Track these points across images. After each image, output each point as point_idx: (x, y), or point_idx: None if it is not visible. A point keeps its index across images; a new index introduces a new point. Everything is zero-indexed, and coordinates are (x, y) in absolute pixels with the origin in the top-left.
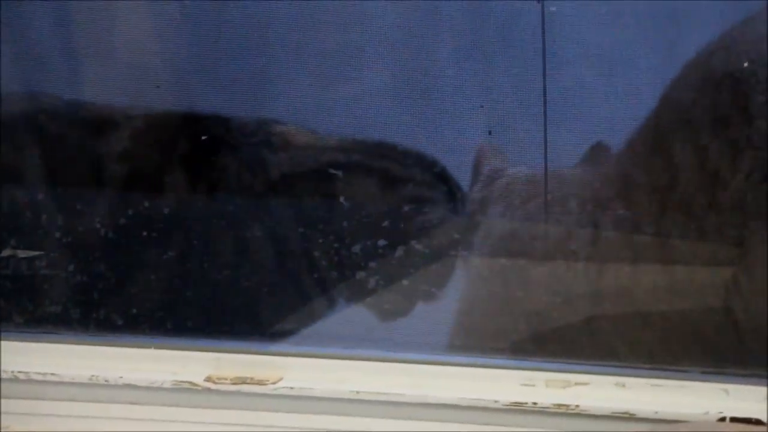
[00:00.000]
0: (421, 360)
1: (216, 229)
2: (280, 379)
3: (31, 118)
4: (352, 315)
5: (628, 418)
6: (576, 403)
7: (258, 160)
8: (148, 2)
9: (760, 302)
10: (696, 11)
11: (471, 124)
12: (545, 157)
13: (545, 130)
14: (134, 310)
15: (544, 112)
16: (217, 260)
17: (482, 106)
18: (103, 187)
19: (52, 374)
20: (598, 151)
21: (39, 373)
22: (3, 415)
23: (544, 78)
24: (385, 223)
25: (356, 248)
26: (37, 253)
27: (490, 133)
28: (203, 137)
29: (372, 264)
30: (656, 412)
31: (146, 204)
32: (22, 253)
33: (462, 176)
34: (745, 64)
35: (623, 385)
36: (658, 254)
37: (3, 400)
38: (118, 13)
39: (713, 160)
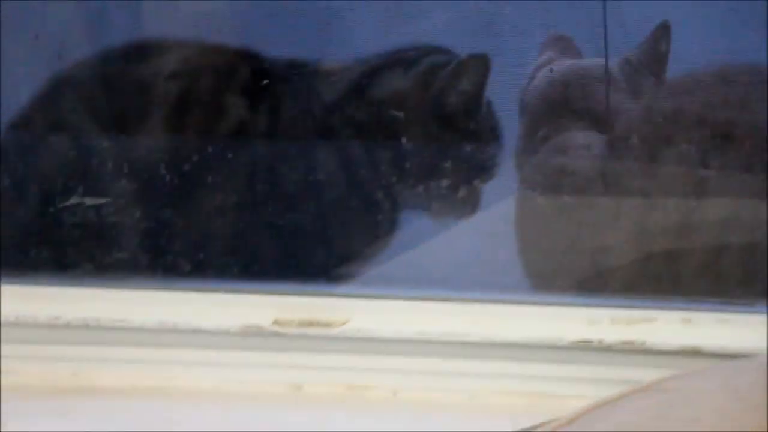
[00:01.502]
0: (485, 299)
1: (278, 171)
2: (347, 321)
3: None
4: (416, 256)
5: (696, 353)
6: (642, 340)
7: (315, 95)
8: None
9: None
10: None
11: (532, 61)
12: (606, 96)
13: (606, 66)
14: (201, 255)
15: (606, 48)
16: (280, 202)
17: (542, 43)
18: (163, 131)
19: (122, 320)
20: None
21: (110, 319)
22: (75, 362)
23: (605, 13)
24: (447, 163)
25: (419, 188)
26: (104, 200)
27: (551, 71)
28: (265, 80)
29: (436, 204)
30: (723, 347)
31: (209, 147)
32: (89, 201)
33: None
34: None
35: (689, 321)
36: (718, 188)
37: (74, 347)
38: None
39: None
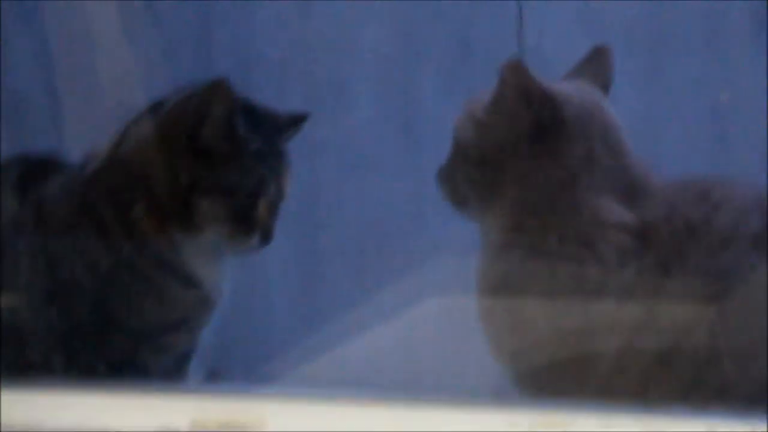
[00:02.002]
0: (405, 400)
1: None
2: (265, 423)
3: None
4: (336, 357)
5: None
6: None
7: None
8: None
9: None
10: None
11: None
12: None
13: None
14: (124, 369)
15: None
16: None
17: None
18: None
19: (36, 425)
20: None
21: (23, 424)
22: None
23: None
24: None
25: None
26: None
27: None
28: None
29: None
30: None
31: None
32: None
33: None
34: None
35: (607, 427)
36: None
37: None
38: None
39: None
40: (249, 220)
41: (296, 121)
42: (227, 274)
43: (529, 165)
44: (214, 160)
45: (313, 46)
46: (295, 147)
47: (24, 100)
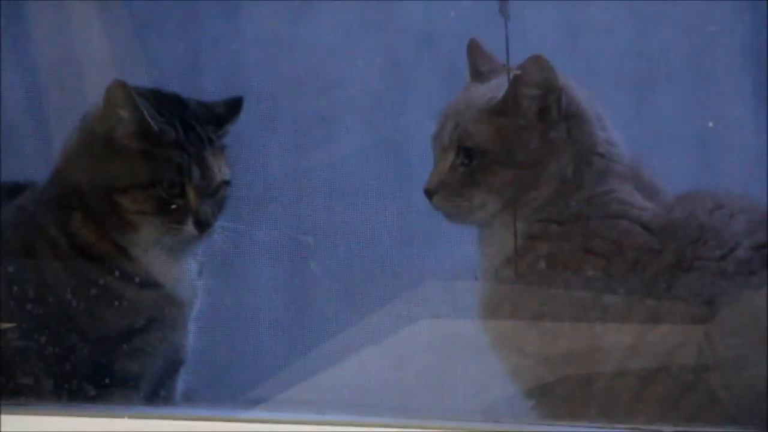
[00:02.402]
0: (394, 425)
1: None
2: None
3: None
4: (325, 380)
5: None
6: None
7: None
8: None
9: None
10: None
11: None
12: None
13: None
14: (107, 381)
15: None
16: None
17: None
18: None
19: None
20: None
21: None
22: None
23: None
24: None
25: None
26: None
27: None
28: None
29: None
30: None
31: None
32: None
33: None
34: None
35: None
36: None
37: None
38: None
39: None
40: (178, 208)
41: (231, 105)
42: (189, 272)
43: (556, 159)
44: (128, 157)
45: (302, 77)
46: (285, 175)
47: (15, 130)
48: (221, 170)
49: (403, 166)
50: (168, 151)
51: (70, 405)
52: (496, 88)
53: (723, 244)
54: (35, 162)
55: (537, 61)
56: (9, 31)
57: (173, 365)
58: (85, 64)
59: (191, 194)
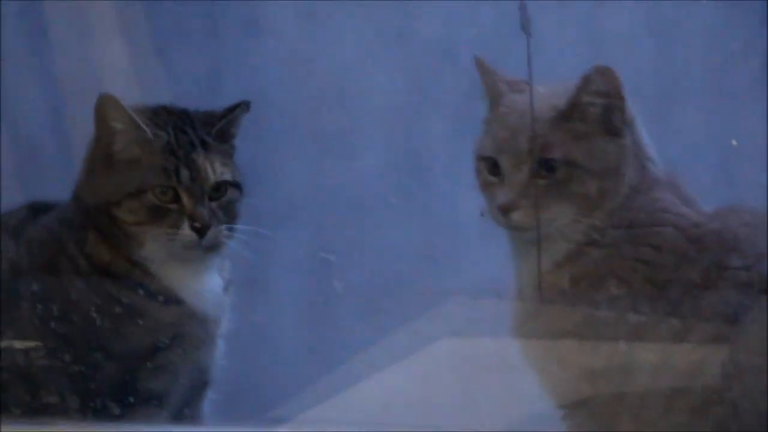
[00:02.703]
0: None
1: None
2: None
3: None
4: (351, 397)
5: None
6: None
7: None
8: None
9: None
10: None
11: (463, 205)
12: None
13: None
14: (132, 399)
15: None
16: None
17: (474, 188)
18: None
19: None
20: None
21: None
22: None
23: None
24: None
25: None
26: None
27: (481, 214)
28: None
29: None
30: None
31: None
32: (18, 344)
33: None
34: None
35: None
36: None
37: None
38: None
39: None
40: (173, 213)
41: (231, 107)
42: (213, 288)
43: (629, 165)
44: (121, 169)
45: (323, 92)
46: (307, 192)
47: (36, 147)
48: (216, 171)
49: (425, 181)
50: (156, 157)
51: (94, 423)
52: (552, 96)
53: (756, 256)
54: (61, 180)
55: (604, 72)
56: (33, 48)
57: (199, 385)
58: (109, 81)
59: (185, 197)
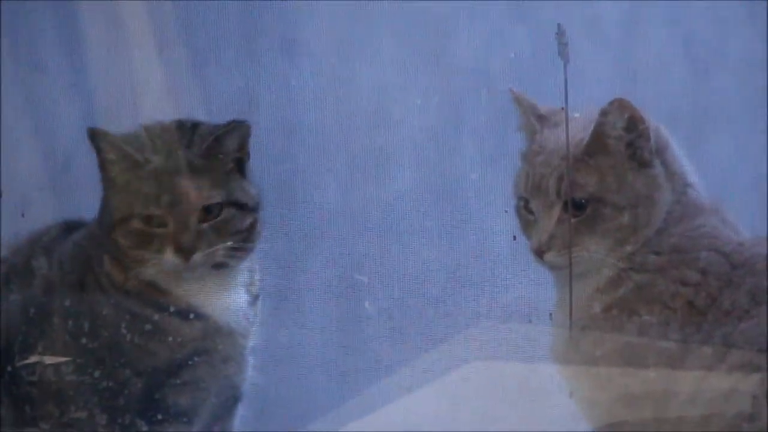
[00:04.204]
0: None
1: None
2: None
3: None
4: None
5: None
6: None
7: None
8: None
9: None
10: None
11: (495, 228)
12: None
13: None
14: (159, 416)
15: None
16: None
17: (506, 211)
18: None
19: None
20: None
21: None
22: None
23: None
24: None
25: None
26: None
27: (514, 238)
28: None
29: None
30: None
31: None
32: (49, 360)
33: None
34: None
35: None
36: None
37: None
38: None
39: None
40: (159, 237)
41: (219, 127)
42: (238, 303)
43: (661, 193)
44: (119, 193)
45: (358, 113)
46: (340, 212)
47: (74, 163)
48: (203, 194)
49: (458, 204)
50: (142, 183)
51: None
52: (579, 131)
53: None
54: (95, 193)
55: (620, 104)
56: (69, 62)
57: (229, 401)
58: (144, 98)
59: (169, 222)
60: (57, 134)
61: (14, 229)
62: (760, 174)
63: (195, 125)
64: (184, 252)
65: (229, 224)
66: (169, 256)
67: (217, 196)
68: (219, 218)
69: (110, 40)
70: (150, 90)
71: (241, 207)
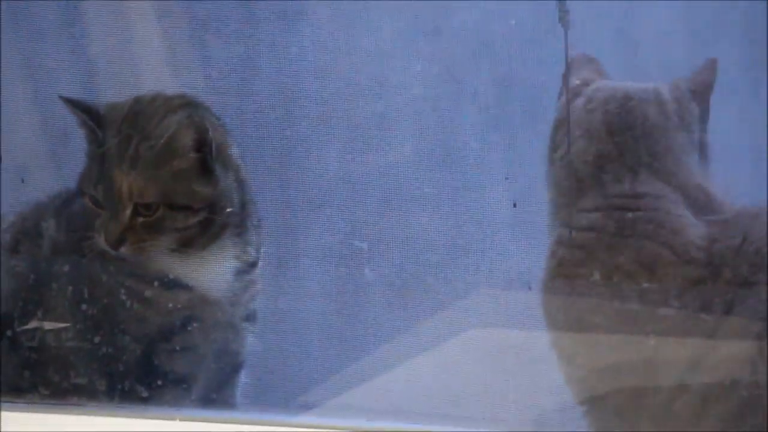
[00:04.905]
0: None
1: None
2: None
3: None
4: (377, 386)
5: None
6: None
7: None
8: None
9: None
10: None
11: (495, 195)
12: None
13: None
14: (158, 382)
15: None
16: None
17: (507, 178)
18: None
19: None
20: None
21: None
22: None
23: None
24: None
25: None
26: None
27: (514, 205)
28: None
29: None
30: None
31: None
32: (48, 325)
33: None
34: None
35: None
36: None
37: None
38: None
39: None
40: (97, 217)
41: (179, 128)
42: (225, 273)
43: None
44: (87, 161)
45: (358, 81)
46: (340, 180)
47: (68, 134)
48: (134, 193)
49: (458, 172)
50: (93, 163)
51: (120, 406)
52: None
53: None
54: None
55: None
56: (66, 32)
57: (229, 368)
58: (143, 66)
59: (104, 210)
60: (55, 106)
61: (14, 195)
62: (761, 144)
63: (153, 113)
64: (111, 243)
65: (165, 223)
66: (101, 241)
67: (152, 196)
68: (153, 217)
69: (109, 7)
70: (150, 58)
71: (183, 209)
